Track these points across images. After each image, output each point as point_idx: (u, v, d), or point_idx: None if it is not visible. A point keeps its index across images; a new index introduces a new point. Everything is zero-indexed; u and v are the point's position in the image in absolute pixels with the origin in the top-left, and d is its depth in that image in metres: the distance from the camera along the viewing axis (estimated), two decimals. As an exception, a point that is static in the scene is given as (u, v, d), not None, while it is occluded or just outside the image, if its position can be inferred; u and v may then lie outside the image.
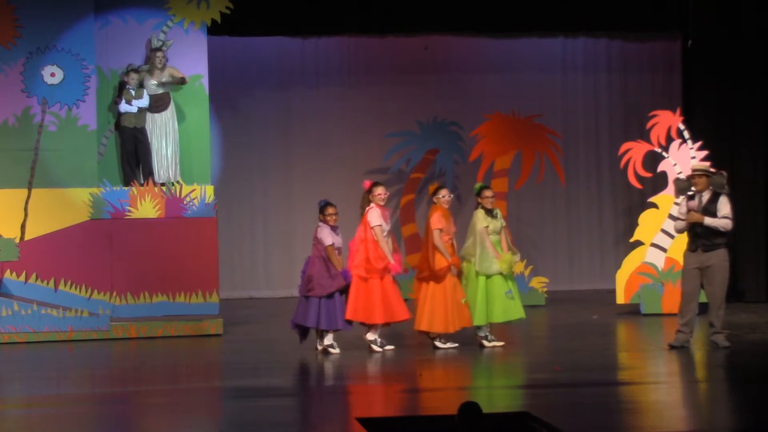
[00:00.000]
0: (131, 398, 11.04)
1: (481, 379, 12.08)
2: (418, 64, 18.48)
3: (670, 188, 15.51)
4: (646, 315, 15.49)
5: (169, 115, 14.87)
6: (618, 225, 18.91)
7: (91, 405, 10.78)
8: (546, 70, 18.74)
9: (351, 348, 12.98)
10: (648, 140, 15.93)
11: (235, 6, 15.00)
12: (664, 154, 15.75)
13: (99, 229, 14.41)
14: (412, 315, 13.00)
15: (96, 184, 14.51)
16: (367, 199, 13.00)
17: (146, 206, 14.52)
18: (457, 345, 13.04)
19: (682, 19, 17.28)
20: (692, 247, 12.73)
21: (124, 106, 14.66)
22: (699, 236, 12.62)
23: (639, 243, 15.77)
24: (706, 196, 12.69)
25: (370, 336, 12.96)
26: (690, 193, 13.04)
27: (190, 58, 15.01)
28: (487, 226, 12.99)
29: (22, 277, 14.19)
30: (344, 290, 12.78)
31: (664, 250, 15.55)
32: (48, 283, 14.24)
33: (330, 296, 12.71)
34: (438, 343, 13.03)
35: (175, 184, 14.73)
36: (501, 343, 13.15)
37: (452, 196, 13.48)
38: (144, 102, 14.70)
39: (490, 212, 13.07)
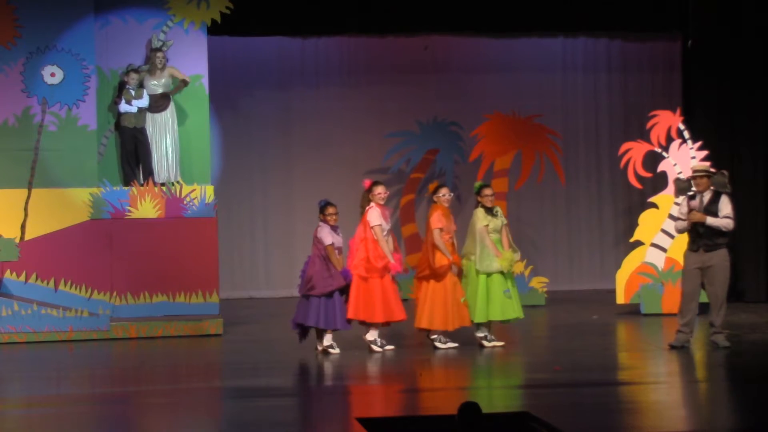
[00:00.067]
0: (131, 398, 11.04)
1: (481, 379, 12.08)
2: (418, 64, 18.48)
3: (670, 188, 15.50)
4: (646, 315, 15.49)
5: (169, 115, 14.87)
6: (618, 225, 18.92)
7: (91, 405, 10.79)
8: (546, 70, 18.74)
9: (351, 348, 12.98)
10: (648, 140, 15.93)
11: (235, 6, 15.00)
12: (664, 154, 15.75)
13: (99, 229, 14.41)
14: (409, 316, 13.01)
15: (96, 184, 14.51)
16: (367, 198, 13.01)
17: (146, 206, 14.52)
18: (457, 345, 13.04)
19: (682, 19, 17.28)
20: (693, 247, 12.73)
21: (124, 106, 14.67)
22: (701, 236, 12.62)
23: (639, 243, 15.77)
24: (707, 196, 12.69)
25: (370, 336, 12.96)
26: (690, 193, 13.04)
27: (190, 58, 15.01)
28: (487, 225, 12.99)
29: (22, 277, 14.19)
30: (344, 290, 12.78)
31: (664, 250, 15.56)
32: (48, 283, 14.25)
33: (330, 296, 12.71)
34: (438, 344, 13.03)
35: (175, 184, 14.73)
36: (501, 343, 13.15)
37: (452, 194, 13.48)
38: (144, 102, 14.71)
39: (490, 211, 13.08)
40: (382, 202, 12.99)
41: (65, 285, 14.27)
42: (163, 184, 14.71)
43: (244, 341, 14.18)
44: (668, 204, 15.53)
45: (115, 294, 14.38)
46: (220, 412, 10.50)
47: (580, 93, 18.92)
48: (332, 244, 12.73)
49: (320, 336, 12.87)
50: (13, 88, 14.40)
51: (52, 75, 14.46)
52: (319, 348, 12.85)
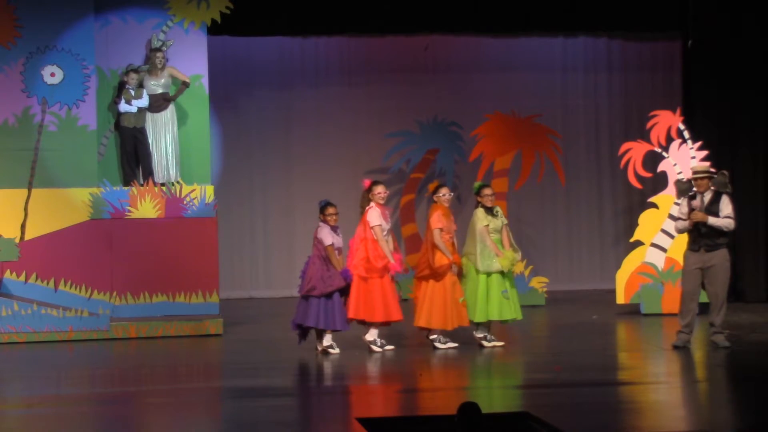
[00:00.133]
0: (131, 398, 11.04)
1: (481, 379, 12.08)
2: (418, 64, 18.48)
3: (670, 188, 15.51)
4: (646, 315, 15.49)
5: (168, 115, 14.88)
6: (618, 225, 18.91)
7: (91, 405, 10.78)
8: (546, 70, 18.74)
9: (351, 348, 12.98)
10: (648, 140, 15.93)
11: (235, 6, 15.01)
12: (664, 154, 15.75)
13: (99, 229, 14.41)
14: (408, 315, 13.01)
15: (96, 184, 14.52)
16: (366, 198, 13.01)
17: (146, 206, 14.53)
18: (456, 345, 13.05)
19: (682, 19, 17.27)
20: (694, 247, 12.73)
21: (123, 106, 14.67)
22: (703, 236, 12.63)
23: (639, 243, 15.77)
24: (707, 196, 12.70)
25: (369, 337, 12.96)
26: (691, 193, 13.04)
27: (190, 58, 15.02)
28: (488, 225, 12.99)
29: (22, 277, 14.20)
30: (344, 291, 12.78)
31: (664, 250, 15.56)
32: (48, 283, 14.25)
33: (329, 296, 12.71)
34: (438, 344, 13.03)
35: (175, 184, 14.73)
36: (501, 343, 13.15)
37: (452, 194, 13.48)
38: (144, 102, 14.71)
39: (490, 210, 13.08)
40: (382, 202, 12.99)
41: (65, 285, 14.27)
42: (163, 184, 14.71)
43: (244, 341, 14.18)
44: (668, 204, 15.53)
45: (115, 294, 14.38)
46: (220, 412, 10.50)
47: (580, 93, 18.92)
48: (332, 245, 12.73)
49: (320, 336, 12.87)
50: (13, 88, 14.40)
51: (52, 75, 14.47)
52: (319, 348, 12.85)
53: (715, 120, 16.73)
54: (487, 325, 13.17)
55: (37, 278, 14.23)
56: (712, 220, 12.57)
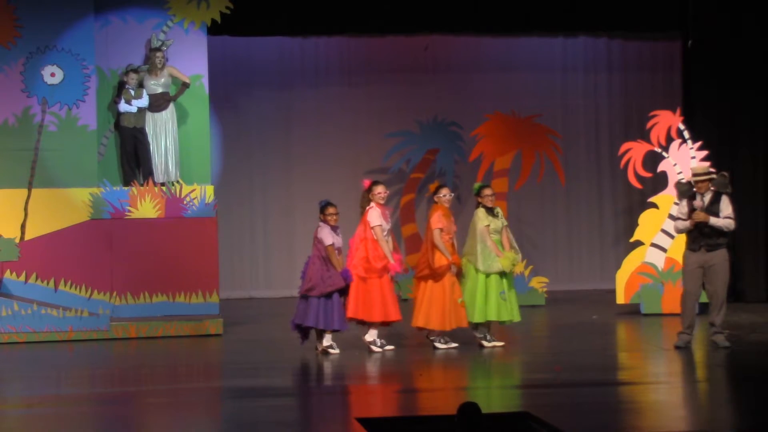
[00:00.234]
0: (131, 398, 11.04)
1: (481, 379, 12.08)
2: (418, 64, 18.48)
3: (670, 188, 15.51)
4: (646, 315, 15.49)
5: (168, 114, 14.87)
6: (618, 225, 18.91)
7: (91, 405, 10.78)
8: (546, 69, 18.73)
9: (351, 348, 12.98)
10: (648, 140, 15.92)
11: (235, 6, 15.01)
12: (664, 154, 15.75)
13: (99, 229, 14.41)
14: (407, 315, 13.01)
15: (96, 184, 14.52)
16: (366, 198, 13.00)
17: (146, 206, 14.53)
18: (457, 345, 13.05)
19: (682, 19, 17.27)
20: (694, 247, 12.73)
21: (123, 106, 14.67)
22: (704, 236, 12.63)
23: (639, 243, 15.77)
24: (707, 196, 12.70)
25: (369, 337, 12.96)
26: (690, 194, 13.04)
27: (190, 58, 15.02)
28: (488, 225, 12.99)
29: (22, 277, 14.19)
30: (343, 291, 12.78)
31: (664, 250, 15.55)
32: (48, 283, 14.25)
33: (329, 296, 12.70)
34: (438, 344, 13.03)
35: (175, 184, 14.73)
36: (501, 343, 13.15)
37: (453, 195, 13.48)
38: (143, 102, 14.71)
39: (490, 211, 13.08)
40: (382, 202, 12.99)
41: (65, 285, 14.27)
42: (163, 184, 14.71)
43: (244, 341, 14.18)
44: (668, 204, 15.53)
45: (115, 294, 14.38)
46: (220, 412, 10.50)
47: (580, 93, 18.92)
48: (333, 245, 12.73)
49: (320, 336, 12.87)
50: (13, 88, 14.40)
51: (52, 75, 14.47)
52: (319, 348, 12.85)
53: (715, 120, 16.73)
54: (487, 325, 13.17)
55: (37, 278, 14.23)
56: (713, 221, 12.58)
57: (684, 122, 15.89)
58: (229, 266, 17.69)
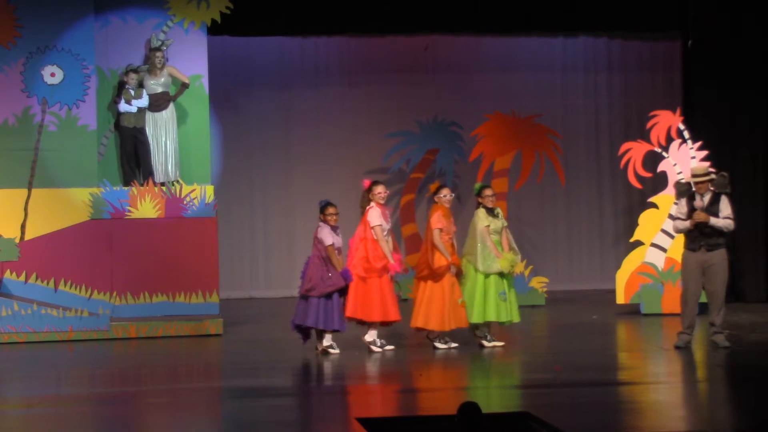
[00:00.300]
0: (131, 398, 11.04)
1: (481, 379, 12.08)
2: (418, 64, 18.48)
3: (670, 188, 15.50)
4: (646, 315, 15.48)
5: (168, 114, 14.87)
6: (618, 225, 18.91)
7: (91, 405, 10.79)
8: (546, 69, 18.73)
9: (351, 348, 12.98)
10: (648, 140, 15.92)
11: (235, 6, 15.01)
12: (664, 154, 15.75)
13: (99, 229, 14.41)
14: (407, 315, 13.01)
15: (96, 184, 14.52)
16: (366, 198, 13.01)
17: (146, 206, 14.52)
18: (457, 345, 13.05)
19: (682, 19, 17.27)
20: (694, 247, 12.73)
21: (123, 106, 14.67)
22: (704, 236, 12.63)
23: (639, 243, 15.77)
24: (707, 196, 12.70)
25: (369, 337, 12.96)
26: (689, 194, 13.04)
27: (190, 58, 15.02)
28: (488, 226, 12.99)
29: (22, 277, 14.19)
30: (343, 291, 12.77)
31: (664, 250, 15.55)
32: (48, 283, 14.25)
33: (329, 296, 12.70)
34: (438, 344, 13.03)
35: (175, 184, 14.73)
36: (501, 343, 13.15)
37: (453, 195, 13.48)
38: (143, 102, 14.71)
39: (491, 211, 13.08)
40: (382, 202, 12.99)
41: (65, 285, 14.27)
42: (163, 184, 14.71)
43: (244, 341, 14.18)
44: (668, 204, 15.52)
45: (115, 294, 14.38)
46: (220, 412, 10.50)
47: (580, 93, 18.92)
48: (333, 245, 12.73)
49: (320, 336, 12.87)
50: (13, 88, 14.40)
51: (52, 75, 14.47)
52: (319, 348, 12.85)
53: (715, 120, 16.73)
54: (487, 325, 13.17)
55: (37, 278, 14.23)
56: (713, 221, 12.58)
57: (684, 122, 15.89)
58: (229, 266, 17.68)
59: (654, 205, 15.78)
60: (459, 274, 12.98)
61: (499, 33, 18.23)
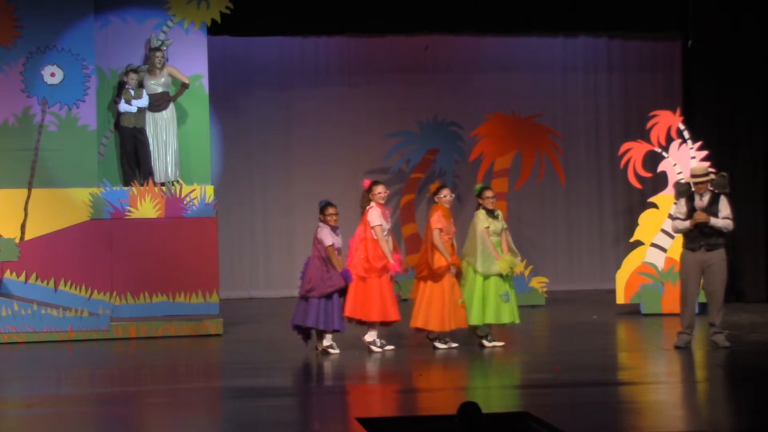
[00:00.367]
0: (131, 398, 11.04)
1: (481, 379, 12.08)
2: (418, 64, 18.47)
3: (670, 188, 15.50)
4: (646, 315, 15.49)
5: (168, 114, 14.87)
6: (618, 225, 18.91)
7: (91, 405, 10.79)
8: (546, 69, 18.73)
9: (351, 348, 12.98)
10: (648, 140, 15.92)
11: (235, 6, 15.01)
12: (664, 154, 15.75)
13: (99, 229, 14.41)
14: (406, 315, 13.01)
15: (96, 184, 14.52)
16: (366, 198, 13.01)
17: (146, 206, 14.52)
18: (457, 345, 13.05)
19: (682, 19, 17.26)
20: (693, 247, 12.73)
21: (123, 106, 14.67)
22: (704, 236, 12.63)
23: (639, 243, 15.77)
24: (706, 196, 12.71)
25: (369, 337, 12.96)
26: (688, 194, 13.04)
27: (190, 58, 15.02)
28: (488, 227, 12.99)
29: (22, 277, 14.19)
30: (343, 291, 12.77)
31: (664, 250, 15.55)
32: (48, 283, 14.25)
33: (329, 297, 12.70)
34: (438, 344, 13.03)
35: (175, 184, 14.73)
36: (501, 343, 13.15)
37: (453, 196, 13.48)
38: (143, 102, 14.71)
39: (491, 213, 13.07)
40: (382, 202, 12.99)
41: (65, 285, 14.27)
42: (163, 184, 14.71)
43: (244, 341, 14.18)
44: (668, 204, 15.51)
45: (115, 294, 14.38)
46: (220, 412, 10.50)
47: (580, 93, 18.92)
48: (333, 245, 12.72)
49: (320, 336, 12.87)
50: (13, 88, 14.40)
51: (52, 75, 14.47)
52: (319, 348, 12.85)
53: (715, 120, 16.73)
54: (488, 326, 13.16)
55: (37, 278, 14.23)
56: (713, 221, 12.58)
57: (684, 122, 15.89)
58: (229, 266, 17.68)
59: (654, 205, 15.78)
60: (459, 275, 12.97)
61: (499, 33, 18.23)
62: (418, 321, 12.96)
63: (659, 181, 16.18)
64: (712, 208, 12.63)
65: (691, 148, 15.62)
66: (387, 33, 18.12)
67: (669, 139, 15.77)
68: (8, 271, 14.16)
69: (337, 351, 12.80)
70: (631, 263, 15.70)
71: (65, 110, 14.47)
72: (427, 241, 13.00)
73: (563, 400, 10.39)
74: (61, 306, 14.22)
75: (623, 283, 15.63)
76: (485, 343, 13.12)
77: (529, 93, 18.46)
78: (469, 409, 7.69)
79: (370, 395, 11.28)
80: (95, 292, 14.32)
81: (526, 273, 16.78)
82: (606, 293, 16.84)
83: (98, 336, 14.21)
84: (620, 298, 15.67)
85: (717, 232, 12.64)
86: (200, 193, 14.66)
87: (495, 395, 11.07)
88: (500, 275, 12.96)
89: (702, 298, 13.15)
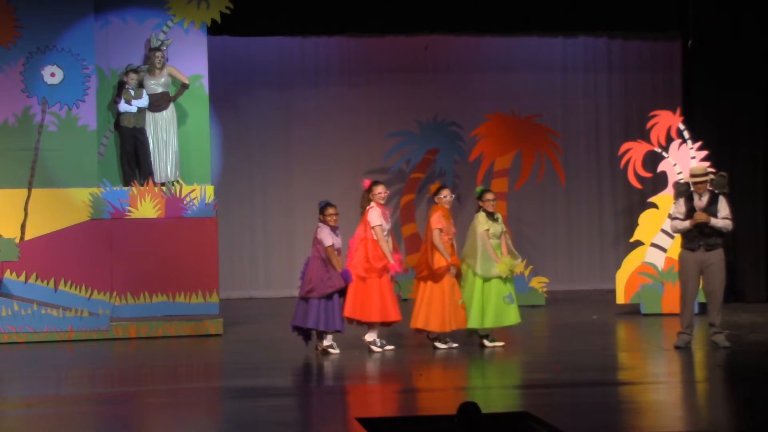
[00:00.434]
0: (131, 398, 11.04)
1: (481, 379, 12.08)
2: (418, 64, 18.47)
3: (670, 188, 15.50)
4: (646, 315, 15.49)
5: (169, 114, 14.87)
6: (618, 225, 18.91)
7: (91, 405, 10.79)
8: (546, 69, 18.73)
9: (351, 348, 12.98)
10: (648, 140, 15.92)
11: (235, 6, 15.01)
12: (664, 154, 15.75)
13: (99, 229, 14.41)
14: (406, 316, 13.01)
15: (96, 184, 14.52)
16: (367, 198, 13.00)
17: (146, 206, 14.53)
18: (457, 345, 13.05)
19: (682, 19, 17.26)
20: (693, 246, 12.73)
21: (123, 106, 14.67)
22: (704, 236, 12.63)
23: (639, 243, 15.77)
24: (705, 196, 12.71)
25: (369, 337, 12.96)
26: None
27: (190, 58, 15.02)
28: (488, 229, 12.98)
29: (22, 277, 14.19)
30: (343, 292, 12.76)
31: (664, 250, 15.55)
32: (48, 283, 14.25)
33: (329, 297, 12.70)
34: (438, 344, 13.03)
35: (175, 184, 14.73)
36: (501, 344, 13.16)
37: (453, 196, 13.47)
38: (143, 102, 14.71)
39: (491, 215, 13.07)
40: (382, 202, 12.99)
41: (65, 285, 14.27)
42: (163, 184, 14.71)
43: (244, 341, 14.18)
44: (668, 204, 15.48)
45: (115, 294, 14.38)
46: (220, 412, 10.50)
47: (580, 93, 18.92)
48: (332, 246, 12.72)
49: (320, 336, 12.87)
50: (13, 88, 14.40)
51: (52, 75, 14.47)
52: (319, 348, 12.85)
53: (715, 120, 16.73)
54: (488, 325, 13.18)
55: (37, 278, 14.23)
56: (713, 221, 12.58)
57: (684, 122, 15.88)
58: (229, 266, 17.68)
59: (654, 205, 15.78)
60: (459, 275, 12.97)
61: (499, 33, 18.23)
62: (418, 322, 12.96)
63: (659, 181, 16.18)
64: (711, 208, 12.63)
65: (691, 148, 15.62)
66: (387, 33, 18.12)
67: (669, 139, 15.77)
68: (8, 271, 14.16)
69: (337, 351, 12.80)
70: (631, 263, 15.70)
71: (65, 110, 14.47)
72: (427, 242, 13.00)
73: (563, 400, 10.39)
74: (61, 306, 14.22)
75: (623, 283, 15.63)
76: (486, 343, 13.12)
77: (529, 93, 18.46)
78: (469, 409, 7.69)
79: (370, 395, 11.28)
80: (95, 292, 14.32)
81: (526, 273, 16.78)
82: (606, 293, 16.84)
83: (98, 336, 14.21)
84: (620, 298, 15.68)
85: (716, 232, 12.64)
86: (200, 193, 14.66)
87: (495, 395, 11.07)
88: (500, 278, 12.95)
89: (701, 298, 13.14)
